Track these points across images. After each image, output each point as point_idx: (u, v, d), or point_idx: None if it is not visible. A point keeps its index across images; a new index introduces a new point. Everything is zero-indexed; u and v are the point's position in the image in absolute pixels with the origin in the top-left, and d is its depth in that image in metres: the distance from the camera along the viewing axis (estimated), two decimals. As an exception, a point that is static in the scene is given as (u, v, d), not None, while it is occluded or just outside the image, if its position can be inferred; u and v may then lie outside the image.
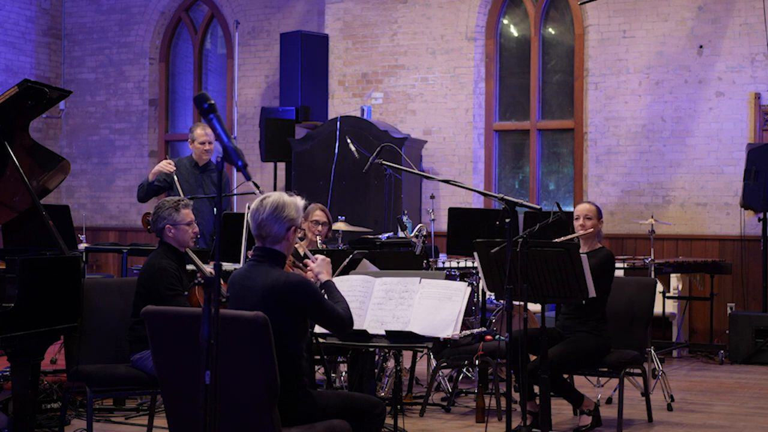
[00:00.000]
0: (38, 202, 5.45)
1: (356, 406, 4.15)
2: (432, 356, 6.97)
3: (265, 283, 4.00)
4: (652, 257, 8.65)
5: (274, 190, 11.13)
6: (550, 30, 10.99)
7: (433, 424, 6.37)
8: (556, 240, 5.91)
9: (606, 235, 10.00)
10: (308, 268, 4.48)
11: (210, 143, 7.76)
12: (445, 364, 6.79)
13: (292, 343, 4.02)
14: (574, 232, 6.25)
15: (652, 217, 9.09)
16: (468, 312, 7.39)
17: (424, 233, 7.57)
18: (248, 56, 12.01)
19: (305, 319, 4.12)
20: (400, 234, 7.79)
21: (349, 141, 7.99)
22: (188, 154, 7.99)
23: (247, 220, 5.86)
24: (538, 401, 5.83)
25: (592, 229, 6.18)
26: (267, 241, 4.11)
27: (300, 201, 4.19)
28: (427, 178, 5.66)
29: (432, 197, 8.81)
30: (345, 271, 5.57)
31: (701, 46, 10.00)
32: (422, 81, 11.13)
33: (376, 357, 6.68)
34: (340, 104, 11.41)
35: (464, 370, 7.47)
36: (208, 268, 5.54)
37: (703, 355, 9.53)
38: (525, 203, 5.28)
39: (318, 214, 6.57)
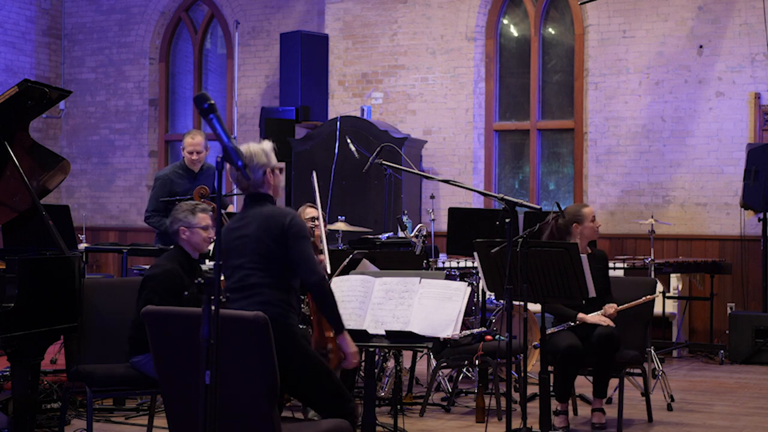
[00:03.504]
0: (38, 202, 5.45)
1: (329, 389, 4.27)
2: (432, 356, 6.97)
3: (261, 214, 4.37)
4: (652, 257, 8.65)
5: (274, 190, 11.12)
6: (550, 30, 10.99)
7: (433, 424, 6.37)
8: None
9: (606, 235, 10.01)
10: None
11: (198, 152, 7.62)
12: (445, 364, 6.79)
13: (281, 271, 4.34)
14: (579, 237, 6.25)
15: (652, 217, 9.09)
16: (468, 312, 7.39)
17: (424, 233, 7.57)
18: (248, 56, 12.01)
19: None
20: (400, 234, 7.79)
21: (349, 141, 7.99)
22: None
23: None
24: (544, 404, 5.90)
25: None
26: (251, 189, 4.44)
27: (267, 144, 4.51)
28: (427, 178, 5.66)
29: (432, 197, 8.81)
30: (345, 271, 5.56)
31: (701, 46, 10.00)
32: (422, 81, 11.13)
33: (376, 357, 6.69)
34: (340, 104, 11.41)
35: (464, 370, 7.47)
36: None
37: (703, 355, 9.53)
38: (525, 203, 5.28)
39: (310, 211, 6.60)
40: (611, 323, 6.03)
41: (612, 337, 5.98)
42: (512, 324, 5.23)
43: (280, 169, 4.60)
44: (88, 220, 12.12)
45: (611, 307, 6.12)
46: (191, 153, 7.64)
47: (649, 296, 6.22)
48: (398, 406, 6.08)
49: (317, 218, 6.59)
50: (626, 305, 6.17)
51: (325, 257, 5.32)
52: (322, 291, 4.38)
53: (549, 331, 6.03)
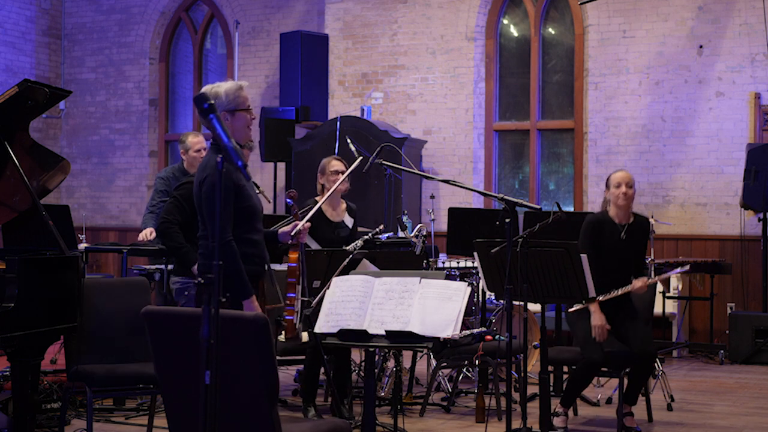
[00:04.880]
0: (38, 202, 5.44)
1: None
2: (432, 356, 6.97)
3: (201, 164, 4.58)
4: (652, 257, 8.64)
5: (274, 190, 11.14)
6: (550, 30, 10.99)
7: (433, 424, 6.37)
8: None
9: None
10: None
11: (205, 149, 7.55)
12: (445, 364, 6.79)
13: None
14: (608, 201, 6.24)
15: (652, 217, 9.08)
16: (468, 312, 7.39)
17: (424, 233, 7.56)
18: (248, 56, 12.01)
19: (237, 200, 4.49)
20: (400, 234, 7.79)
21: (349, 141, 7.98)
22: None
23: None
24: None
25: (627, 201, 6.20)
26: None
27: (228, 84, 4.69)
28: (427, 178, 5.66)
29: (432, 197, 8.81)
30: (345, 271, 5.57)
31: (701, 46, 10.00)
32: (422, 81, 11.13)
33: (376, 357, 6.69)
34: (340, 104, 11.41)
35: (464, 370, 7.47)
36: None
37: (703, 355, 9.53)
38: (525, 203, 5.28)
39: (336, 164, 6.59)
40: (605, 329, 6.00)
41: (652, 357, 6.07)
42: (512, 324, 5.23)
43: (247, 110, 4.74)
44: (88, 220, 12.11)
45: (640, 281, 6.11)
46: (199, 151, 7.44)
47: (679, 269, 6.31)
48: (398, 406, 6.08)
49: (341, 172, 6.61)
50: (654, 279, 6.23)
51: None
52: (221, 255, 4.32)
53: (573, 309, 6.00)
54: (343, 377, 6.38)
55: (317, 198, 6.57)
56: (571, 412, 6.60)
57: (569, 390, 6.12)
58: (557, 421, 6.07)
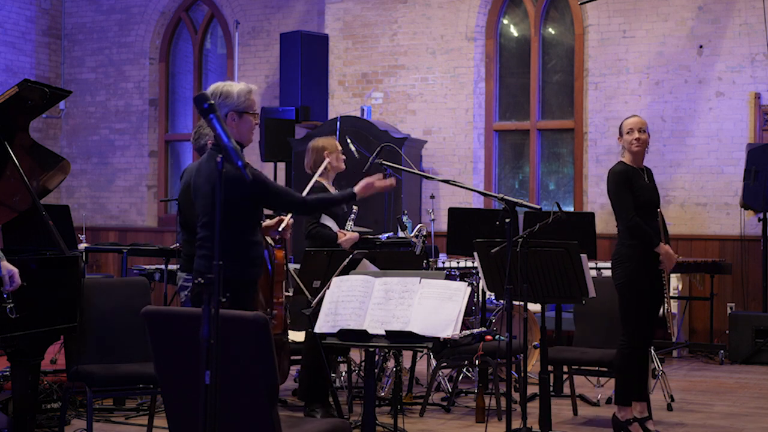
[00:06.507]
0: (38, 202, 5.44)
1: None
2: (432, 356, 6.97)
3: (209, 170, 4.46)
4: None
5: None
6: (550, 30, 10.99)
7: (433, 424, 6.37)
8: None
9: (606, 236, 9.99)
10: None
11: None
12: (445, 364, 6.79)
13: (240, 224, 4.44)
14: (623, 149, 5.92)
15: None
16: (468, 312, 7.39)
17: (424, 233, 7.56)
18: (248, 56, 12.01)
19: (253, 203, 4.50)
20: (400, 234, 7.79)
21: (349, 141, 7.99)
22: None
23: None
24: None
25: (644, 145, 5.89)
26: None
27: (240, 85, 4.54)
28: (427, 178, 5.66)
29: (432, 197, 8.81)
30: (345, 271, 5.56)
31: (701, 46, 10.00)
32: (422, 81, 11.13)
33: (376, 357, 6.69)
34: (340, 104, 11.41)
35: (464, 370, 7.47)
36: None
37: (703, 355, 9.53)
38: (525, 203, 5.29)
39: (339, 144, 6.59)
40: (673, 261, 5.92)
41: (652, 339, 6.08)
42: (512, 324, 5.23)
43: (254, 114, 4.59)
44: (88, 220, 12.11)
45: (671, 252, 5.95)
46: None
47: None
48: (398, 406, 6.07)
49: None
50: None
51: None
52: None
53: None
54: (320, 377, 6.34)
55: (320, 179, 6.51)
56: (571, 412, 6.60)
57: (624, 386, 5.82)
58: (634, 428, 5.84)
